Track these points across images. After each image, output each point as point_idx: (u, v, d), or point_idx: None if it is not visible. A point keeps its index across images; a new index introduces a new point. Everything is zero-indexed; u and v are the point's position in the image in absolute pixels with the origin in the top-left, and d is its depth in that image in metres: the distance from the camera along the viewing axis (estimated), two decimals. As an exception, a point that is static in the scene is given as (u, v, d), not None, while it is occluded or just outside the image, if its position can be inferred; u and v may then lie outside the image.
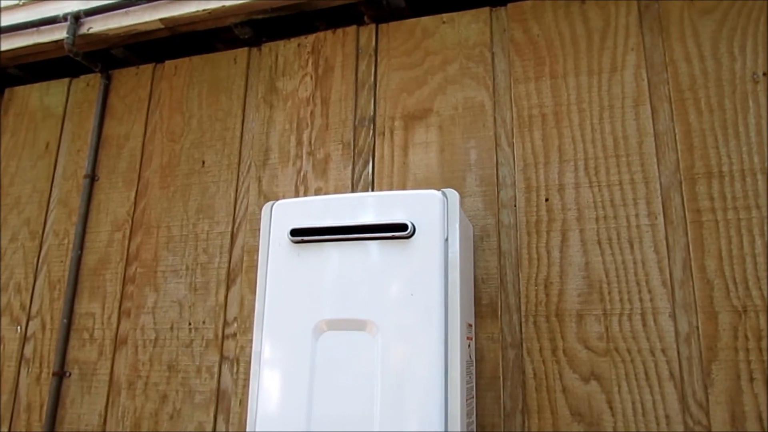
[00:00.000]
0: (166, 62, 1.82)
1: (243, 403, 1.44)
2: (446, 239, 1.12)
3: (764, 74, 1.28)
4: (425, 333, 1.07)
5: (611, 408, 1.20)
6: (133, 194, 1.73)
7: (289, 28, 1.69)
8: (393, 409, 1.05)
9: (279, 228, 1.21)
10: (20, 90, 2.01)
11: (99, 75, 1.87)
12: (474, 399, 1.23)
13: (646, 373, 1.20)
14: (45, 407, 1.62)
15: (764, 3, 1.32)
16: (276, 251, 1.20)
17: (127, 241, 1.69)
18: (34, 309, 1.74)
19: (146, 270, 1.64)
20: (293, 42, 1.69)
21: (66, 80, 1.95)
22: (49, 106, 1.94)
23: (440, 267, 1.10)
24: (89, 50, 1.78)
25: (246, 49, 1.74)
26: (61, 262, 1.74)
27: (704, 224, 1.24)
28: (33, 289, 1.76)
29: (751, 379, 1.14)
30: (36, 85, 1.99)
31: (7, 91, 2.03)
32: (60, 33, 1.74)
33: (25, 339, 1.73)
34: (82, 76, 1.93)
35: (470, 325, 1.26)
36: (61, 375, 1.64)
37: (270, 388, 1.13)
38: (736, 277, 1.20)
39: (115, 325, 1.63)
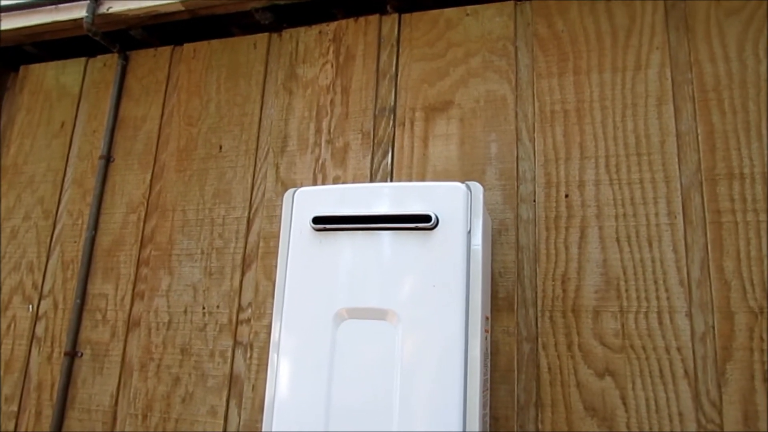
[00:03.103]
0: (185, 45, 1.81)
1: (256, 388, 1.45)
2: (469, 232, 1.12)
3: (789, 77, 1.28)
4: (446, 324, 1.08)
5: (625, 404, 1.21)
6: (148, 177, 1.73)
7: (310, 15, 1.68)
8: (412, 399, 1.06)
9: (300, 215, 1.21)
10: (36, 68, 2.00)
11: (117, 55, 1.86)
12: (488, 391, 1.24)
13: (660, 371, 1.21)
14: (56, 386, 1.63)
15: (789, 6, 1.32)
16: (297, 238, 1.21)
17: (142, 224, 1.69)
18: (47, 288, 1.74)
19: (161, 253, 1.64)
20: (314, 29, 1.68)
21: (83, 60, 1.94)
22: (65, 85, 1.93)
23: (462, 259, 1.10)
24: (108, 30, 1.77)
25: (266, 34, 1.73)
26: (75, 242, 1.74)
27: (723, 225, 1.25)
28: (45, 269, 1.76)
29: (765, 380, 1.15)
30: (52, 63, 1.98)
31: (22, 68, 2.02)
32: (79, 12, 1.73)
33: (36, 318, 1.73)
34: (99, 56, 1.92)
35: (487, 318, 1.27)
36: (72, 355, 1.64)
37: (289, 374, 1.14)
38: (753, 279, 1.20)
39: (128, 307, 1.64)
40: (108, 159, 1.78)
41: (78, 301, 1.66)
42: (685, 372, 1.19)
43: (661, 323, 1.23)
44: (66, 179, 1.83)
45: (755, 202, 1.24)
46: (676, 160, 1.30)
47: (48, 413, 1.62)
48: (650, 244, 1.27)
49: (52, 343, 1.68)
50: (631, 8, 1.42)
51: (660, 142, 1.32)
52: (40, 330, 1.71)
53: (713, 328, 1.20)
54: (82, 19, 1.72)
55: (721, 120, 1.30)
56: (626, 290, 1.26)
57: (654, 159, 1.32)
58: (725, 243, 1.24)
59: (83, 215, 1.76)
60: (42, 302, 1.74)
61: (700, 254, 1.25)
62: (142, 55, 1.87)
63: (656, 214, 1.28)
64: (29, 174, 1.88)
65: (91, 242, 1.72)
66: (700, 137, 1.30)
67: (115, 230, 1.72)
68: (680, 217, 1.27)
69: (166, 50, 1.84)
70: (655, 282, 1.25)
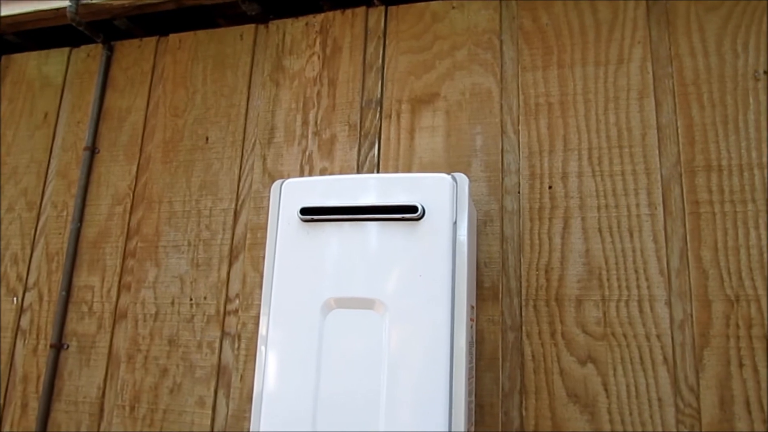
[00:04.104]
0: (170, 36, 1.80)
1: (244, 378, 1.46)
2: (455, 222, 1.14)
3: (765, 72, 1.31)
4: (433, 313, 1.10)
5: (606, 390, 1.25)
6: (134, 168, 1.72)
7: (297, 6, 1.68)
8: (399, 387, 1.07)
9: (288, 206, 1.22)
10: (18, 57, 1.97)
11: (101, 46, 1.84)
12: (474, 379, 1.27)
13: (641, 358, 1.24)
14: (42, 378, 1.62)
15: (766, 2, 1.35)
16: (285, 229, 1.21)
17: (128, 215, 1.69)
18: (31, 280, 1.73)
19: (147, 245, 1.64)
20: (301, 21, 1.68)
21: (66, 50, 1.91)
22: (48, 75, 1.90)
23: (449, 249, 1.12)
24: (92, 20, 1.75)
25: (253, 25, 1.73)
26: (60, 234, 1.73)
27: (702, 216, 1.28)
28: (30, 261, 1.75)
29: (741, 365, 1.19)
30: (34, 53, 1.95)
31: (3, 58, 1.99)
32: (62, 1, 1.71)
33: (21, 310, 1.72)
34: (83, 47, 1.90)
35: (473, 307, 1.29)
36: (58, 347, 1.64)
37: (277, 364, 1.15)
38: (730, 268, 1.24)
39: (114, 299, 1.63)
40: (93, 150, 1.77)
41: (63, 293, 1.66)
42: (665, 359, 1.23)
43: (641, 311, 1.26)
44: (50, 171, 1.81)
45: (732, 193, 1.27)
46: (657, 152, 1.33)
47: (34, 405, 1.62)
48: (631, 235, 1.30)
49: (37, 336, 1.67)
50: (614, 3, 1.44)
51: (641, 134, 1.35)
52: (25, 322, 1.70)
53: (691, 315, 1.24)
54: (65, 8, 1.70)
55: (700, 113, 1.33)
56: (608, 279, 1.29)
57: (635, 151, 1.34)
58: (703, 233, 1.27)
59: (68, 207, 1.74)
60: (27, 294, 1.72)
61: (679, 244, 1.28)
62: (126, 46, 1.85)
63: (637, 205, 1.31)
64: (12, 165, 1.86)
65: (77, 234, 1.71)
66: (679, 130, 1.33)
67: (101, 222, 1.71)
68: (660, 208, 1.30)
69: (151, 41, 1.83)
70: (636, 271, 1.28)
